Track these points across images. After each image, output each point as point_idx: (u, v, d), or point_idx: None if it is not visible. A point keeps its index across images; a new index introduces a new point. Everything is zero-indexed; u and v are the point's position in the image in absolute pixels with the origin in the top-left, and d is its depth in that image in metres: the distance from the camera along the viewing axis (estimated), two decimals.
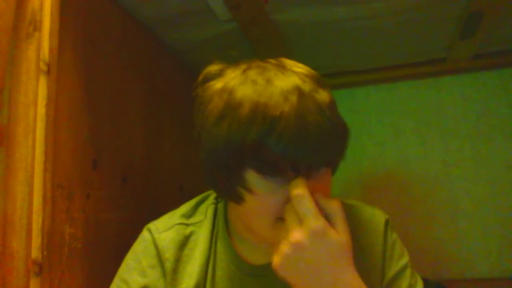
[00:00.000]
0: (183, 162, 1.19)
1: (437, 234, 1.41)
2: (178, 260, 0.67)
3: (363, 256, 0.67)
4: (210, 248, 0.68)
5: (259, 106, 0.53)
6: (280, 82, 0.55)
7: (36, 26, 0.71)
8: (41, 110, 0.69)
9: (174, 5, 0.98)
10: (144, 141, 1.03)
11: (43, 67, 0.70)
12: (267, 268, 0.64)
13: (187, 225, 0.70)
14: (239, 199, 0.60)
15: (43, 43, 0.71)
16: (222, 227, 0.69)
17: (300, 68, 0.59)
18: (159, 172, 1.09)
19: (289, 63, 0.60)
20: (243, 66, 0.59)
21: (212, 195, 0.73)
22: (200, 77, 0.63)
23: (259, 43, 1.16)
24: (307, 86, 0.55)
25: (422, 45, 1.29)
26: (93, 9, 0.86)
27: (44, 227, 0.67)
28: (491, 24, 1.12)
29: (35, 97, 0.69)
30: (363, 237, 0.69)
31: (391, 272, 0.69)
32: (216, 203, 0.72)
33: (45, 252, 0.67)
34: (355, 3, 1.01)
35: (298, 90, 0.54)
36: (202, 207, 0.72)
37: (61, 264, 0.71)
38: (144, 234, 0.70)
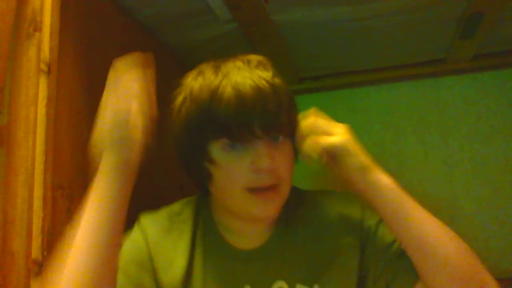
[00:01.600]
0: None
1: None
2: (158, 244, 0.69)
3: (341, 238, 0.70)
4: (194, 243, 0.70)
5: (205, 83, 0.63)
6: (225, 66, 0.64)
7: (37, 26, 0.71)
8: (42, 110, 0.69)
9: (174, 5, 0.99)
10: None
11: (44, 67, 0.70)
12: (257, 252, 0.69)
13: (171, 222, 0.73)
14: (208, 176, 0.65)
15: (43, 43, 0.71)
16: (208, 220, 0.72)
17: (248, 56, 0.67)
18: (159, 172, 1.09)
19: (240, 55, 0.68)
20: (198, 66, 0.70)
21: (196, 196, 0.77)
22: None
23: (259, 43, 1.16)
24: (248, 64, 0.64)
25: (422, 45, 1.29)
26: (93, 9, 0.86)
27: (44, 227, 0.68)
28: (491, 25, 1.12)
29: (35, 97, 0.69)
30: (340, 220, 0.71)
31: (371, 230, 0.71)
32: (199, 203, 0.75)
33: (45, 252, 0.67)
34: (355, 3, 1.01)
35: (238, 67, 0.63)
36: (186, 208, 0.75)
37: None
38: (136, 223, 0.73)
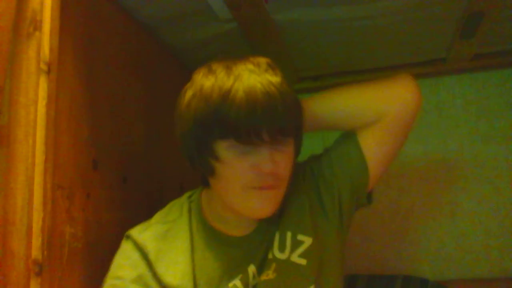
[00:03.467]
0: (183, 162, 1.19)
1: (437, 234, 1.41)
2: (159, 250, 0.71)
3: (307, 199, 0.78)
4: (192, 239, 0.73)
5: (217, 84, 0.64)
6: (237, 67, 0.65)
7: (37, 26, 0.71)
8: (41, 110, 0.69)
9: (174, 5, 0.98)
10: (144, 141, 1.03)
11: (44, 67, 0.70)
12: (251, 236, 0.74)
13: (164, 223, 0.76)
14: (211, 171, 0.68)
15: (43, 43, 0.71)
16: (199, 214, 0.76)
17: (257, 58, 0.69)
18: (159, 172, 1.09)
19: (250, 56, 0.70)
20: (209, 63, 0.70)
21: (185, 196, 0.80)
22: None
23: (259, 43, 1.15)
24: (258, 67, 0.66)
25: (422, 45, 1.29)
26: (93, 9, 0.86)
27: (44, 227, 0.67)
28: (491, 25, 1.12)
29: (35, 97, 0.69)
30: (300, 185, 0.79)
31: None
32: (189, 202, 0.78)
33: (45, 252, 0.67)
34: (355, 3, 1.01)
35: (250, 70, 0.65)
36: (176, 207, 0.78)
37: (61, 264, 0.71)
38: (124, 241, 0.74)
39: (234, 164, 0.65)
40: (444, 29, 1.17)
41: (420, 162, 1.46)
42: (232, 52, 1.19)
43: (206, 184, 0.75)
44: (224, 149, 0.65)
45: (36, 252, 0.66)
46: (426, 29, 1.17)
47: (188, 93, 0.67)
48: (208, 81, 0.65)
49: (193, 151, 0.69)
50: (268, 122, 0.63)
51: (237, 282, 0.70)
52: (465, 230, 1.39)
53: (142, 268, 0.70)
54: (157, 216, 0.78)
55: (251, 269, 0.72)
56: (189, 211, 0.77)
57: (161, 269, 0.70)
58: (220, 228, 0.75)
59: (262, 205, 0.68)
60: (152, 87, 1.09)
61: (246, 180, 0.66)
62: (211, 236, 0.74)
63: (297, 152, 0.74)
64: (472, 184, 1.41)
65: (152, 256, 0.71)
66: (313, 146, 0.87)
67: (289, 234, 0.74)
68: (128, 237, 0.74)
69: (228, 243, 0.74)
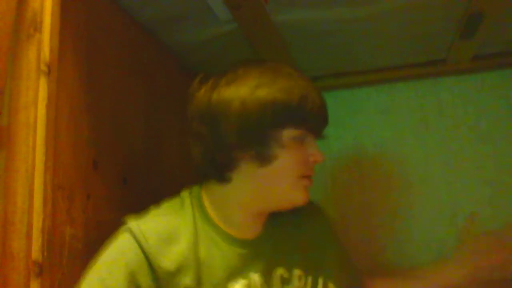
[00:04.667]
0: (184, 162, 1.19)
1: (437, 235, 1.41)
2: (162, 241, 0.69)
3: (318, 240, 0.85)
4: (195, 233, 0.72)
5: (291, 79, 0.70)
6: (282, 68, 0.73)
7: (37, 27, 0.71)
8: (42, 111, 0.69)
9: (174, 5, 0.98)
10: (144, 142, 1.03)
11: (44, 68, 0.70)
12: (257, 241, 0.76)
13: (165, 214, 0.74)
14: (270, 158, 0.70)
15: (43, 44, 0.71)
16: (203, 212, 0.75)
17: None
18: (159, 173, 1.09)
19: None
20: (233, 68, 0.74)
21: (184, 192, 0.80)
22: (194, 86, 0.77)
23: (260, 43, 1.16)
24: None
25: (422, 46, 1.29)
26: (93, 10, 0.87)
27: (44, 227, 0.67)
28: (491, 25, 1.12)
29: (35, 98, 0.69)
30: (312, 224, 0.87)
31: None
32: (191, 198, 0.77)
33: (45, 253, 0.67)
34: (355, 4, 1.01)
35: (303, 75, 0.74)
36: (176, 200, 0.77)
37: (61, 265, 0.71)
38: (122, 232, 0.71)
39: (298, 153, 0.71)
40: (444, 30, 1.17)
41: (420, 162, 1.46)
42: (232, 52, 1.20)
43: (223, 180, 0.73)
44: (290, 138, 0.71)
45: (36, 253, 0.66)
46: (426, 30, 1.17)
47: (250, 81, 0.69)
48: (279, 72, 0.71)
49: (253, 141, 0.70)
50: (327, 119, 0.75)
51: (238, 286, 0.70)
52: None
53: (138, 264, 0.66)
54: (155, 210, 0.75)
55: (254, 277, 0.72)
56: (191, 205, 0.76)
57: (163, 261, 0.67)
58: (225, 228, 0.75)
59: (306, 193, 0.74)
60: (152, 87, 1.09)
61: (303, 168, 0.72)
62: (217, 233, 0.74)
63: None
64: (472, 184, 1.41)
65: (152, 249, 0.67)
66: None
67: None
68: (126, 227, 0.70)
69: (234, 243, 0.74)
